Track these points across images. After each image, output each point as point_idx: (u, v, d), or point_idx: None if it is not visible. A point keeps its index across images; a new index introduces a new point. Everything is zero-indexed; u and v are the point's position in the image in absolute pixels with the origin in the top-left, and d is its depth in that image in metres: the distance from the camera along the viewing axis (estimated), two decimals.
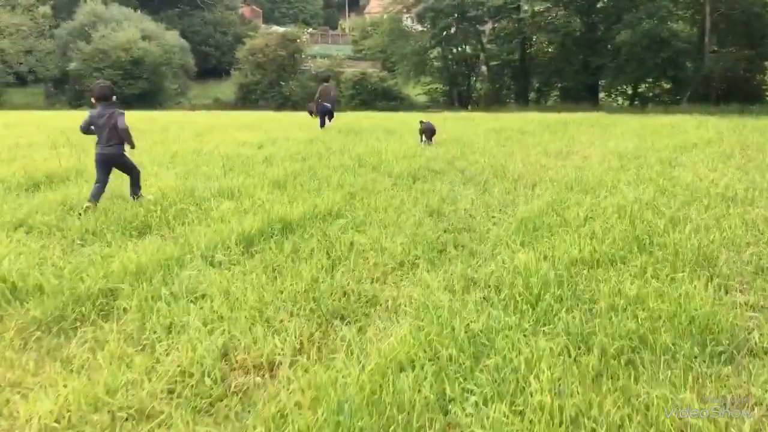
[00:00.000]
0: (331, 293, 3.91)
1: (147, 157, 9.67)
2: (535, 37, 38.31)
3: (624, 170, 8.58)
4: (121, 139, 6.49)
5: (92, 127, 6.49)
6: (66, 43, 43.63)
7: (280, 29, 47.86)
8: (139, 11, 50.21)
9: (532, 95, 40.16)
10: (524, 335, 3.21)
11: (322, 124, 16.48)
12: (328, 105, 16.71)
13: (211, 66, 55.37)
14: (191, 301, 3.80)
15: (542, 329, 3.32)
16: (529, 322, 3.39)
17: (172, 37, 47.36)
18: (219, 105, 45.44)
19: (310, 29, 73.17)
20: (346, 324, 3.50)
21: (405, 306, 3.73)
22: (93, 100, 6.51)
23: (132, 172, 6.75)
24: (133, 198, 6.63)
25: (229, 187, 7.19)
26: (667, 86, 34.96)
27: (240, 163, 9.44)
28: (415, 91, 43.78)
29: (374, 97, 42.58)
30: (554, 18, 36.02)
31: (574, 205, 6.22)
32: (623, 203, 6.13)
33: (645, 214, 5.75)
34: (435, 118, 17.84)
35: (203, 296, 3.87)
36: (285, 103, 42.80)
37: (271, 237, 5.15)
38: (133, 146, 6.66)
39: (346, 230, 5.39)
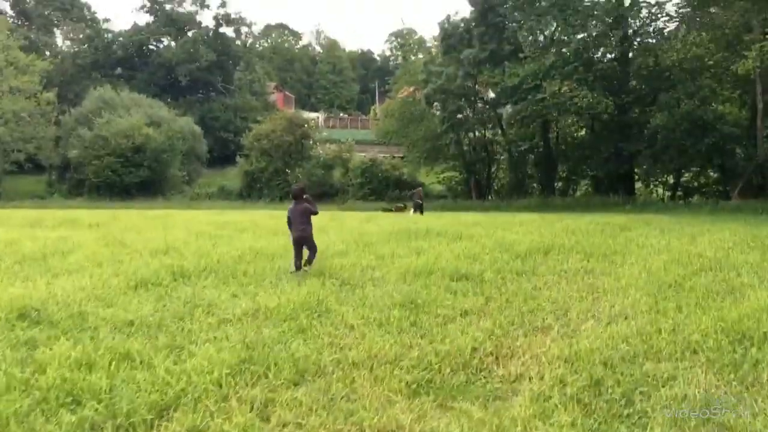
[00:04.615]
0: None
1: None
2: (559, 120, 33.89)
3: None
4: (308, 222, 8.03)
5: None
6: (71, 129, 42.40)
7: (288, 113, 45.48)
8: (157, 98, 49.32)
9: (559, 185, 35.50)
10: None
11: (415, 212, 25.69)
12: (420, 201, 26.13)
13: (230, 152, 53.54)
14: None
15: None
16: None
17: (185, 123, 45.74)
18: (223, 194, 42.84)
19: (341, 114, 71.86)
20: None
21: None
22: (291, 197, 8.54)
23: (311, 249, 8.14)
24: (305, 267, 7.88)
25: None
26: (715, 176, 29.91)
27: None
28: (429, 180, 39.87)
29: (385, 186, 38.87)
30: (579, 99, 31.34)
31: None
32: None
33: None
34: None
35: None
36: (288, 195, 39.63)
37: None
38: (315, 213, 8.19)
39: None
